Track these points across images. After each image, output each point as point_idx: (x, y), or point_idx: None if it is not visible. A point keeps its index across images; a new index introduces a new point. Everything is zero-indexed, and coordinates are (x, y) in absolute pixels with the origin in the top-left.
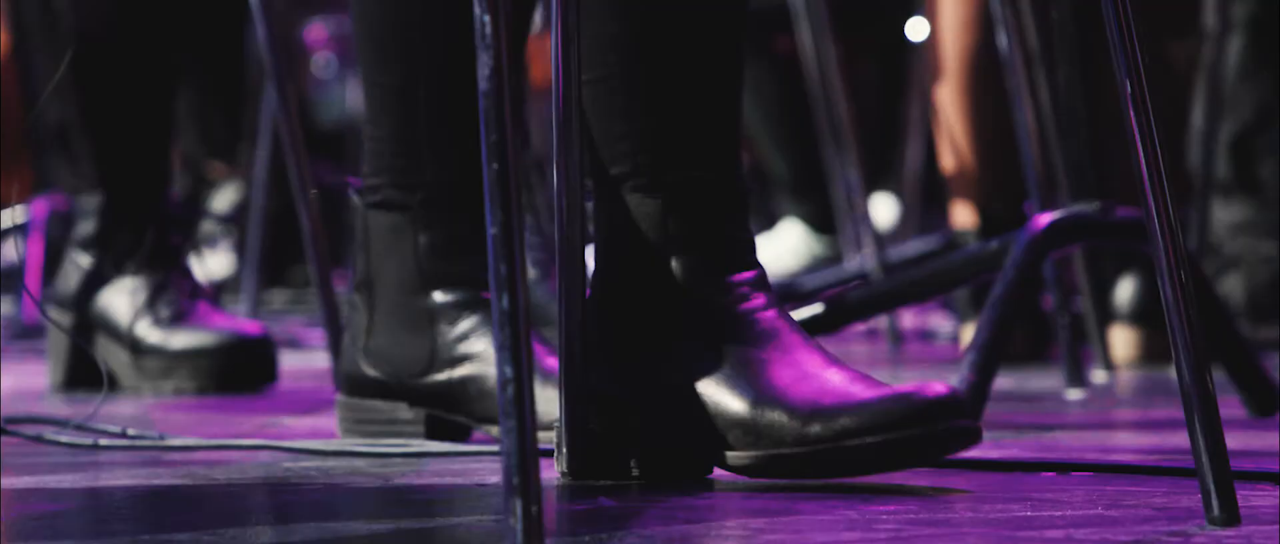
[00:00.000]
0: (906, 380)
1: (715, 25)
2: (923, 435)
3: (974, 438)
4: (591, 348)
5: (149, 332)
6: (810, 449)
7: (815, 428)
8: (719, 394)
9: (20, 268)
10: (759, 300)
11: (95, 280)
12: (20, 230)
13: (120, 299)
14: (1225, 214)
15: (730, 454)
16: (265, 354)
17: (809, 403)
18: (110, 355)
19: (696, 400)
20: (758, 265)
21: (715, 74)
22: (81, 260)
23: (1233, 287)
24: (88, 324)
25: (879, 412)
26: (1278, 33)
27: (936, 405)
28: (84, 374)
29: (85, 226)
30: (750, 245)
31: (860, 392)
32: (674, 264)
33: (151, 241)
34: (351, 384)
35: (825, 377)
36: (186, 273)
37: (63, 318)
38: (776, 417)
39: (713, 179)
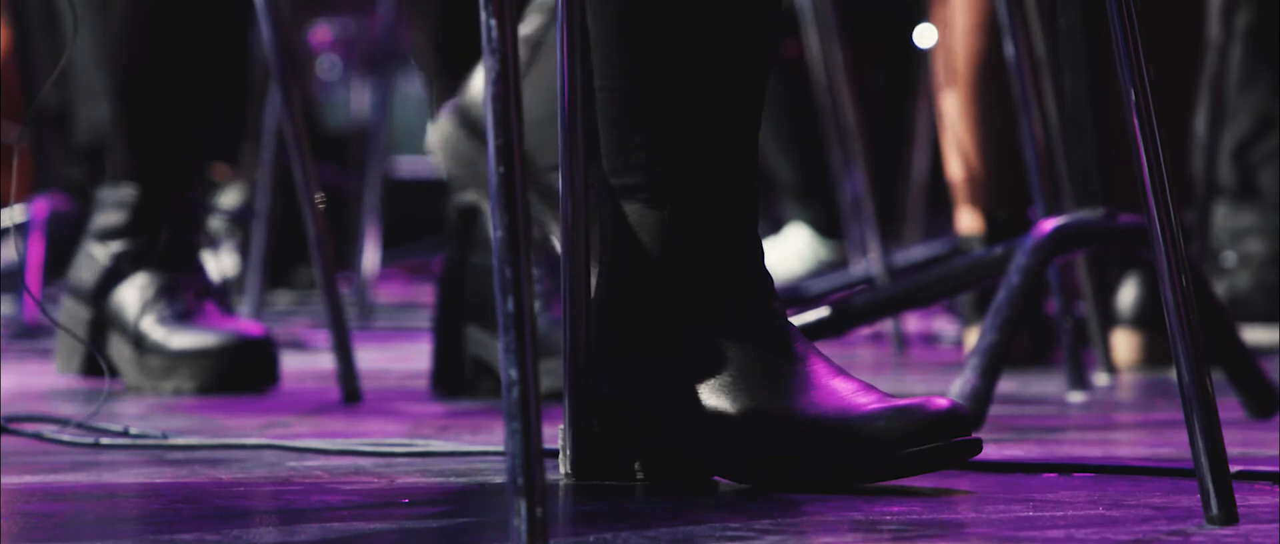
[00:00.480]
0: (912, 384)
1: (738, 39)
2: (925, 451)
3: (975, 451)
4: (596, 350)
5: (153, 329)
6: (812, 460)
7: (817, 439)
8: (721, 401)
9: (20, 268)
10: (766, 310)
11: (114, 275)
12: (20, 230)
13: (131, 294)
14: (1230, 220)
15: (731, 462)
16: (266, 355)
17: (812, 414)
18: (117, 351)
19: (699, 406)
20: (765, 275)
21: (735, 88)
22: (97, 252)
23: (1221, 289)
24: (103, 318)
25: (882, 425)
26: (1275, 42)
27: (940, 420)
28: (96, 365)
29: (106, 218)
30: (759, 255)
31: (864, 404)
32: (680, 272)
33: (166, 239)
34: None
35: (829, 387)
36: (198, 272)
37: (78, 309)
38: (779, 426)
39: (724, 191)
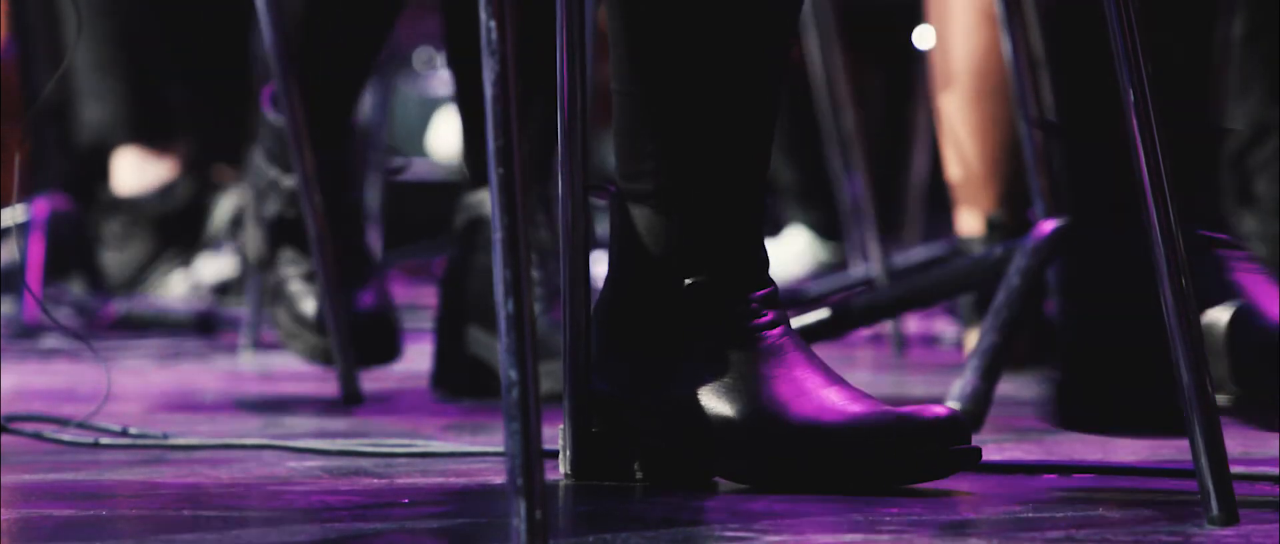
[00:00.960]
0: (912, 386)
1: (750, 50)
2: (919, 457)
3: (972, 460)
4: (598, 349)
5: (292, 280)
6: (811, 466)
7: (817, 445)
8: (719, 405)
9: (20, 268)
10: (766, 317)
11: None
12: (20, 230)
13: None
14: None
15: (727, 465)
16: (377, 335)
17: (812, 420)
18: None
19: (697, 410)
20: (769, 283)
21: (746, 98)
22: (264, 168)
23: None
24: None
25: (876, 431)
26: (1268, 49)
27: (935, 427)
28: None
29: (268, 141)
30: (763, 264)
31: (864, 411)
32: (684, 278)
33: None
34: None
35: (825, 394)
36: (356, 233)
37: (255, 233)
38: (778, 431)
39: (731, 200)
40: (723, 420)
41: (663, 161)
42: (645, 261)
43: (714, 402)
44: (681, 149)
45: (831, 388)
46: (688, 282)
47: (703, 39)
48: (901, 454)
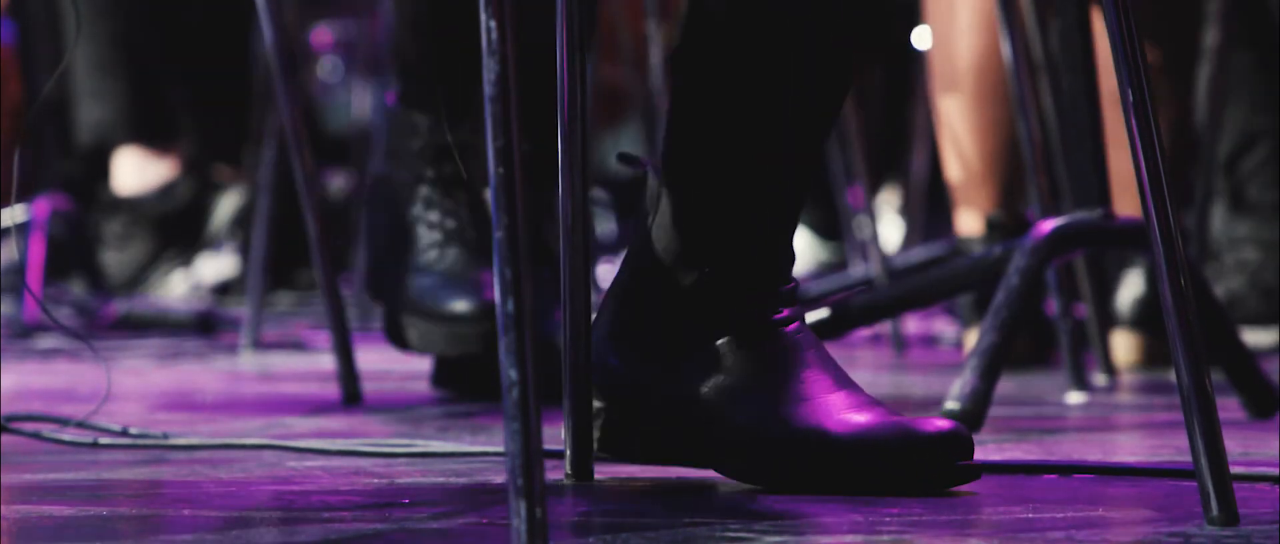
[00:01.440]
0: (911, 386)
1: (783, 47)
2: (922, 470)
3: (972, 476)
4: (608, 336)
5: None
6: (809, 471)
7: (818, 452)
8: (725, 405)
9: (20, 268)
10: (782, 315)
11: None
12: (20, 230)
13: None
14: (1226, 228)
15: (730, 466)
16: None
17: (812, 426)
18: None
19: (703, 409)
20: (790, 281)
21: (774, 95)
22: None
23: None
24: None
25: (881, 443)
26: (1250, 57)
27: (939, 441)
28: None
29: (403, 138)
30: (787, 263)
31: (864, 420)
32: (705, 271)
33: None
34: None
35: (831, 400)
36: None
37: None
38: (778, 435)
39: (759, 196)
40: (728, 421)
41: (696, 150)
42: (666, 250)
43: (720, 402)
44: (715, 142)
45: (839, 393)
46: (706, 272)
47: (752, 44)
48: (904, 466)
